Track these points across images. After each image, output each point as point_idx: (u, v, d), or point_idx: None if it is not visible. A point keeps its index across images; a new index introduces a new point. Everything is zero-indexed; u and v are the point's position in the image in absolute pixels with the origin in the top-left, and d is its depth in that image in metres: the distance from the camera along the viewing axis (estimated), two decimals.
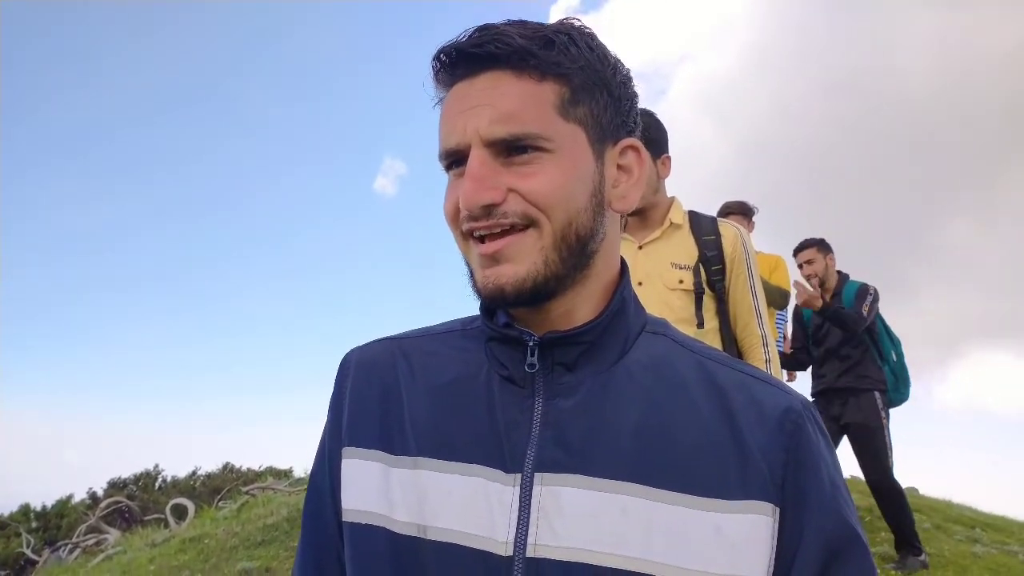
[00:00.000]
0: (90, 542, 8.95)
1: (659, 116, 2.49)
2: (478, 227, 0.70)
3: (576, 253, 0.71)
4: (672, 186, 2.56)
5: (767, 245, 4.89)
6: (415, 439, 0.76)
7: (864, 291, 4.55)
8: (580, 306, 0.74)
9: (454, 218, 0.73)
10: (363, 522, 0.76)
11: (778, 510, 0.68)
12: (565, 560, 0.66)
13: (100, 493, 14.59)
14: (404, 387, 0.80)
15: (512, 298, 0.70)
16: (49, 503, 14.28)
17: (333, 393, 0.85)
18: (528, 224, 0.69)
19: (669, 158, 2.47)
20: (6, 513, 13.88)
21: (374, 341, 0.87)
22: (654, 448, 0.70)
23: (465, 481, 0.71)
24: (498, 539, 0.68)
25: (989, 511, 7.16)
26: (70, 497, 14.68)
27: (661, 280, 2.40)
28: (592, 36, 0.75)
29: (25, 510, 13.96)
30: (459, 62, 0.72)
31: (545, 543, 0.67)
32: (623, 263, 0.81)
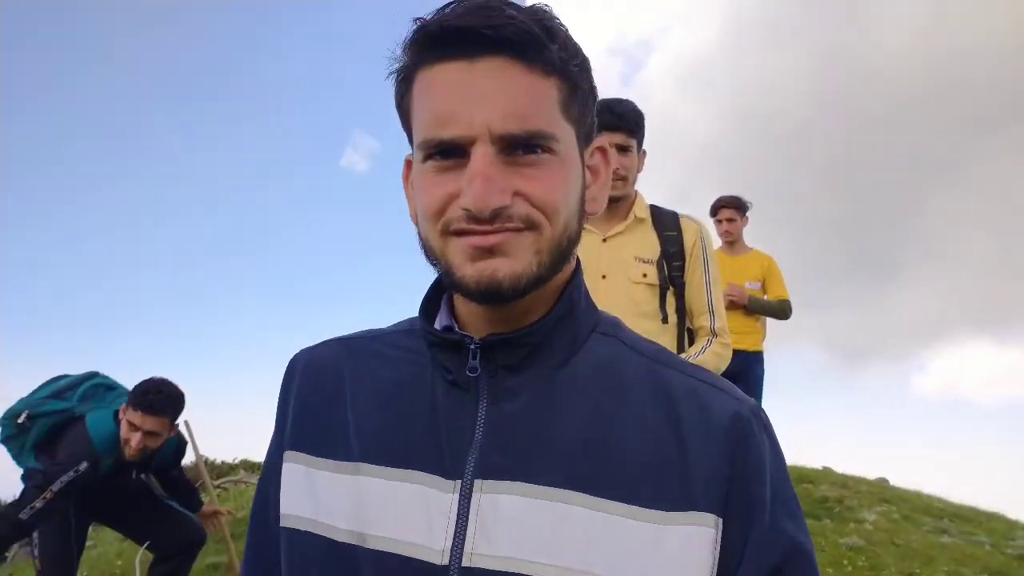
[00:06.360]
0: None
1: (636, 96, 2.48)
2: (479, 230, 0.64)
3: (563, 257, 0.69)
4: (654, 165, 2.57)
5: (751, 230, 4.81)
6: (358, 444, 0.73)
7: (183, 444, 3.72)
8: (536, 306, 0.72)
9: (436, 214, 0.66)
10: (301, 528, 0.73)
11: (721, 521, 0.66)
12: (501, 570, 0.64)
13: None
14: (349, 391, 0.77)
15: (508, 293, 0.65)
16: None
17: (279, 397, 0.82)
18: (528, 227, 0.66)
19: (645, 152, 2.53)
20: None
21: (322, 343, 0.84)
22: (597, 456, 0.67)
23: (404, 488, 0.69)
24: (435, 547, 0.66)
25: (959, 501, 7.25)
26: None
27: (625, 274, 2.43)
28: (566, 27, 0.70)
29: None
30: (457, 40, 0.64)
31: (481, 552, 0.65)
32: (577, 263, 0.78)
